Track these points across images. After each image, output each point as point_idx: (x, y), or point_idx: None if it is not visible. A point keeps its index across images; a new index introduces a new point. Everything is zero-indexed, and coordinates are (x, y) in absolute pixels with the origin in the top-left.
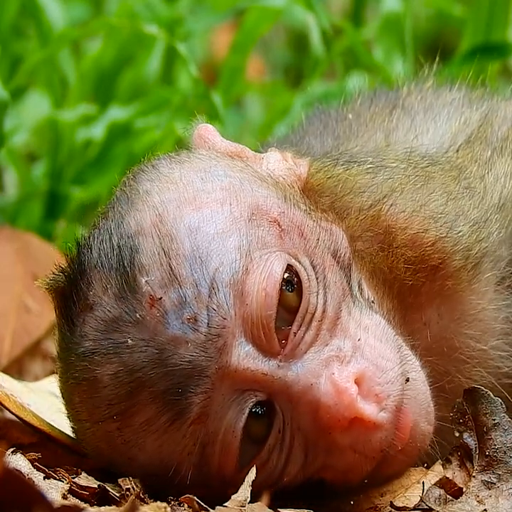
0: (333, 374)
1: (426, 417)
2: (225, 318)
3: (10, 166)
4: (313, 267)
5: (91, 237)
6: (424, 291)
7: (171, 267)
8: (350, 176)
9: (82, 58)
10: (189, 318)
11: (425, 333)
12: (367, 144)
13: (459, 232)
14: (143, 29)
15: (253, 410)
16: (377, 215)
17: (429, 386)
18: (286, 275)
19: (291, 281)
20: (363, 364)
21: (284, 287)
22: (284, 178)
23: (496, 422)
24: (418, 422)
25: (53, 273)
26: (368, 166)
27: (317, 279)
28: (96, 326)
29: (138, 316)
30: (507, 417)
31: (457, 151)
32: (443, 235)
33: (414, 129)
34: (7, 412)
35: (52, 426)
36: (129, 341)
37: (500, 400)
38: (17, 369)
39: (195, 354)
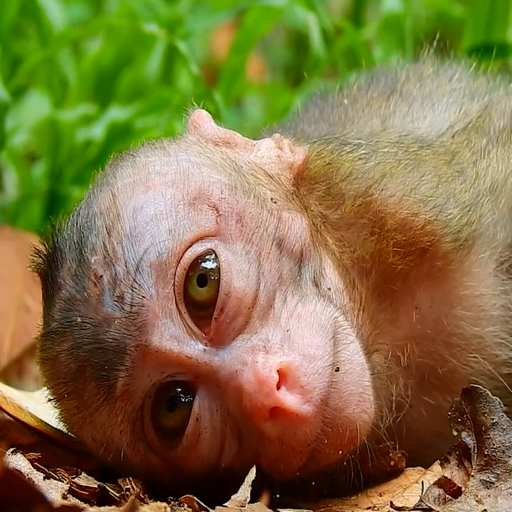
0: (257, 362)
1: (359, 408)
2: (144, 297)
3: (10, 166)
4: (246, 253)
5: (65, 221)
6: (413, 275)
7: (111, 246)
8: (346, 162)
9: (82, 58)
10: (118, 296)
11: (418, 318)
12: (363, 129)
13: (449, 214)
14: (143, 29)
15: (171, 397)
16: (370, 201)
17: (418, 374)
18: (210, 264)
19: (210, 269)
20: (290, 355)
21: (205, 274)
22: (269, 166)
23: (494, 421)
24: (348, 414)
25: (32, 256)
26: (362, 151)
27: (249, 265)
28: (60, 306)
29: (85, 295)
30: (505, 416)
31: (453, 136)
32: (433, 218)
33: (411, 114)
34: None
35: (51, 426)
36: (78, 319)
37: (498, 399)
38: (17, 369)
39: (119, 332)
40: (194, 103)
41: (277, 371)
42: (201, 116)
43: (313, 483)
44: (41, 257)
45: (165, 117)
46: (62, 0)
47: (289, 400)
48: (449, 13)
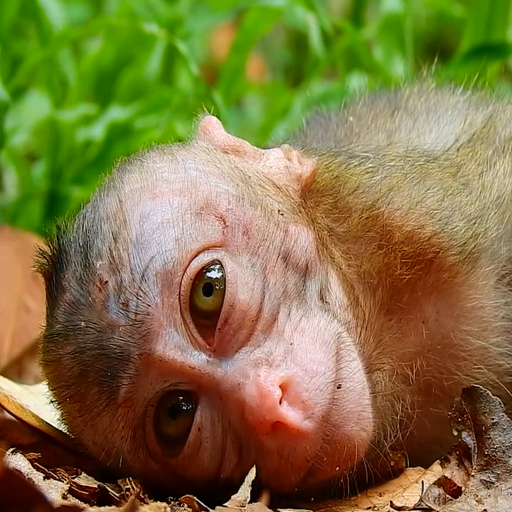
0: (259, 376)
1: (358, 426)
2: (149, 305)
3: (10, 166)
4: (252, 266)
5: (71, 223)
6: (420, 286)
7: (117, 252)
8: (353, 176)
9: (82, 58)
10: (123, 303)
11: (423, 331)
12: (369, 144)
13: (455, 227)
14: (143, 29)
15: (174, 405)
16: (376, 214)
17: (412, 386)
18: (216, 274)
19: (215, 279)
20: (292, 369)
21: (211, 284)
22: (277, 176)
23: (494, 421)
24: (347, 432)
25: (37, 256)
26: (369, 165)
27: (254, 277)
28: (64, 309)
29: (90, 300)
30: (506, 416)
31: (458, 149)
32: (438, 230)
33: (417, 129)
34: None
35: (52, 426)
36: (82, 324)
37: (498, 399)
38: (17, 369)
39: (123, 339)
40: (204, 108)
41: (279, 386)
42: (212, 123)
43: (312, 499)
44: (45, 258)
45: (165, 117)
46: (62, 0)
47: (290, 415)
48: (449, 13)
